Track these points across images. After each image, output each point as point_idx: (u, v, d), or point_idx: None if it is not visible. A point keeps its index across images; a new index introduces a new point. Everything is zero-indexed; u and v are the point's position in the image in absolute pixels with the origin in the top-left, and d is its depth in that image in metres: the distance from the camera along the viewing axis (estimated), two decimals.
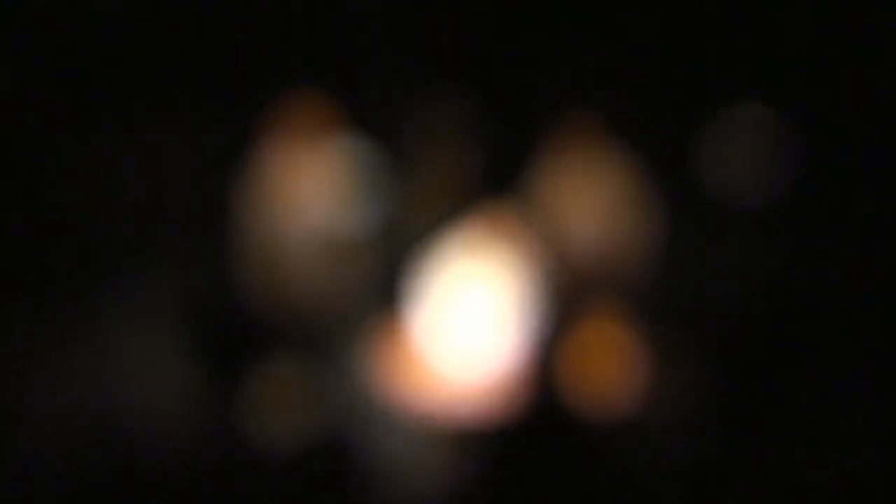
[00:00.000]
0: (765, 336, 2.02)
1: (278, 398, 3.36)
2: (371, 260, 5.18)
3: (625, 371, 3.35)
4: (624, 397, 3.42)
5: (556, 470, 2.11)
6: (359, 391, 3.36)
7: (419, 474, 4.58)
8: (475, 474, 2.13)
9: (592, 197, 6.39)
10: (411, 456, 4.69)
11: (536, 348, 2.18)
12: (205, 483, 2.41)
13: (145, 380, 2.93)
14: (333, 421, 3.15)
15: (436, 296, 5.15)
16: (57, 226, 3.61)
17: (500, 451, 2.14)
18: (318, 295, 5.89)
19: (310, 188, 5.86)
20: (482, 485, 2.13)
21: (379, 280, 4.34)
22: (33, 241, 3.56)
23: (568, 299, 2.34)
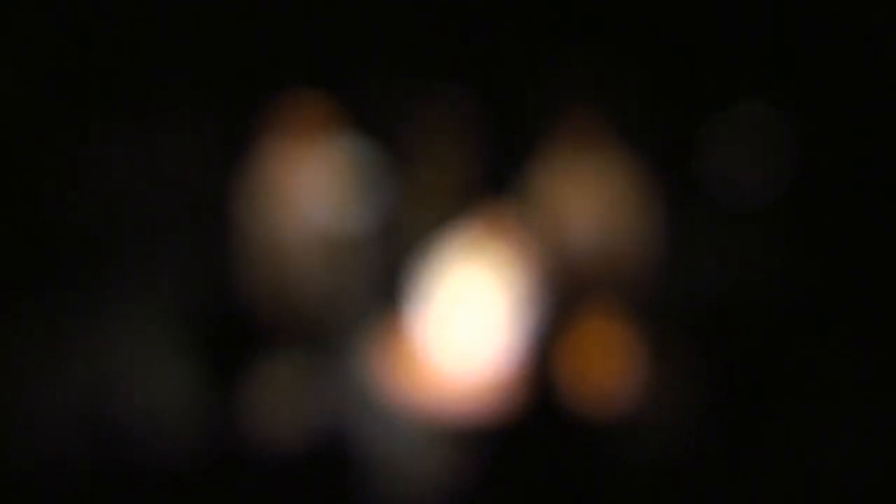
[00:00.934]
0: (761, 335, 2.02)
1: (278, 397, 3.37)
2: (371, 259, 5.18)
3: (622, 369, 3.35)
4: (621, 395, 3.42)
5: (554, 468, 2.11)
6: (359, 390, 3.36)
7: (419, 473, 4.57)
8: (474, 472, 2.13)
9: (591, 197, 6.39)
10: (411, 455, 4.69)
11: (535, 347, 2.18)
12: (205, 482, 2.41)
13: (145, 379, 2.93)
14: (333, 419, 3.15)
15: (435, 295, 5.16)
16: (57, 226, 3.61)
17: (499, 450, 2.15)
18: (318, 294, 5.88)
19: (309, 188, 5.86)
20: (481, 483, 2.13)
21: (379, 279, 4.34)
22: (35, 241, 3.56)
23: (566, 298, 2.34)
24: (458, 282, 5.15)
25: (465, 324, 5.03)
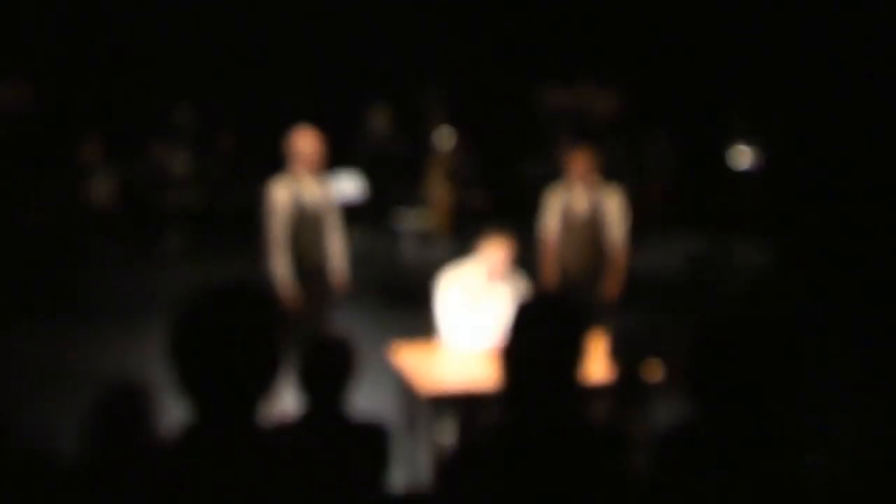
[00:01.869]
0: (759, 334, 2.03)
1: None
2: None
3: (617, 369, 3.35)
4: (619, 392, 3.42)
5: (554, 467, 2.11)
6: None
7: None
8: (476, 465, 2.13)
9: (591, 199, 6.42)
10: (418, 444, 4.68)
11: (534, 345, 2.18)
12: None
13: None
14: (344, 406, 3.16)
15: (444, 293, 5.16)
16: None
17: (500, 448, 2.14)
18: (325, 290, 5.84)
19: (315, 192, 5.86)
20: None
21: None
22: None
23: (565, 297, 2.34)
24: (463, 281, 5.15)
25: (470, 321, 5.03)
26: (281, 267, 5.58)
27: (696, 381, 2.05)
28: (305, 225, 5.68)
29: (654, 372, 3.16)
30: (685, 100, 12.23)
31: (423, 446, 4.72)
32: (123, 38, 12.10)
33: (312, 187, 5.72)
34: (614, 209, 6.07)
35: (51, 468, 2.17)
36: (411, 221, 11.25)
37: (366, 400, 5.51)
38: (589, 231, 6.08)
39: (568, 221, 6.15)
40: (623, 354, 3.16)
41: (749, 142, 11.15)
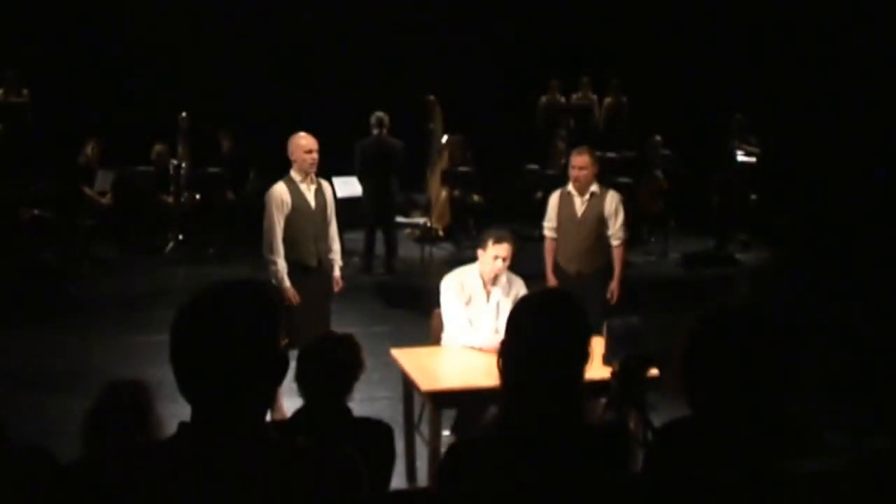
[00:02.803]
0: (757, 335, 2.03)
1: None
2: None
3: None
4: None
5: (553, 465, 2.11)
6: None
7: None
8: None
9: (591, 200, 6.43)
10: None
11: (533, 344, 2.18)
12: None
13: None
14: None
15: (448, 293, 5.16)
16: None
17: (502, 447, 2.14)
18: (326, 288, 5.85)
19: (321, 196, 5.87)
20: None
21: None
22: None
23: (565, 296, 2.34)
24: (466, 281, 5.15)
25: (472, 320, 5.04)
26: (281, 267, 5.60)
27: (691, 377, 2.06)
28: (305, 225, 5.69)
29: (654, 370, 3.16)
30: (685, 100, 12.24)
31: (423, 444, 4.73)
32: (124, 37, 12.09)
33: (312, 188, 5.74)
34: (614, 210, 6.08)
35: (49, 466, 2.17)
36: (411, 222, 11.26)
37: (366, 398, 5.53)
38: (589, 231, 6.09)
39: (568, 222, 6.16)
40: (622, 353, 3.16)
41: (749, 142, 11.15)
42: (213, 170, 11.01)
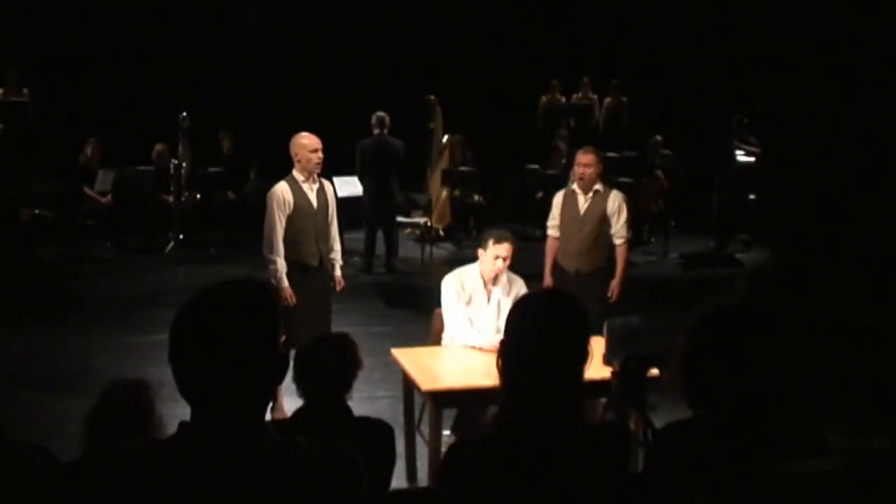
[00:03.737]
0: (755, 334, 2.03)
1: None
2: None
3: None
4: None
5: (553, 465, 2.11)
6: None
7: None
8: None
9: (593, 200, 6.44)
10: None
11: (534, 343, 2.18)
12: None
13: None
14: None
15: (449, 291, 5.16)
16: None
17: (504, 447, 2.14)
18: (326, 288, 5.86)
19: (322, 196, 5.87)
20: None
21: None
22: None
23: (566, 296, 2.34)
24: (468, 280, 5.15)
25: (474, 318, 5.04)
26: (281, 266, 5.60)
27: (691, 377, 2.06)
28: (307, 225, 5.69)
29: (654, 370, 3.16)
30: (685, 100, 12.24)
31: (423, 444, 4.73)
32: (124, 37, 12.09)
33: (314, 188, 5.74)
34: (616, 209, 6.08)
35: (49, 466, 2.17)
36: (411, 221, 11.25)
37: (366, 398, 5.53)
38: (590, 230, 6.09)
39: (571, 220, 6.16)
40: (622, 353, 3.15)
41: (749, 142, 11.15)
42: (213, 170, 11.00)
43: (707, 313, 2.09)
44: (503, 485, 2.08)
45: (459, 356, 4.85)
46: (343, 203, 6.97)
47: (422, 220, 11.11)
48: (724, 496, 1.74)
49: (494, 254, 4.97)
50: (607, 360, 3.27)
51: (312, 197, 5.71)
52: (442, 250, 11.02)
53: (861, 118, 11.17)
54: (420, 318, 6.78)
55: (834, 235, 10.56)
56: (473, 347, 4.86)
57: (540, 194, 11.11)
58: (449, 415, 4.74)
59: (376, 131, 9.60)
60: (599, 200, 6.10)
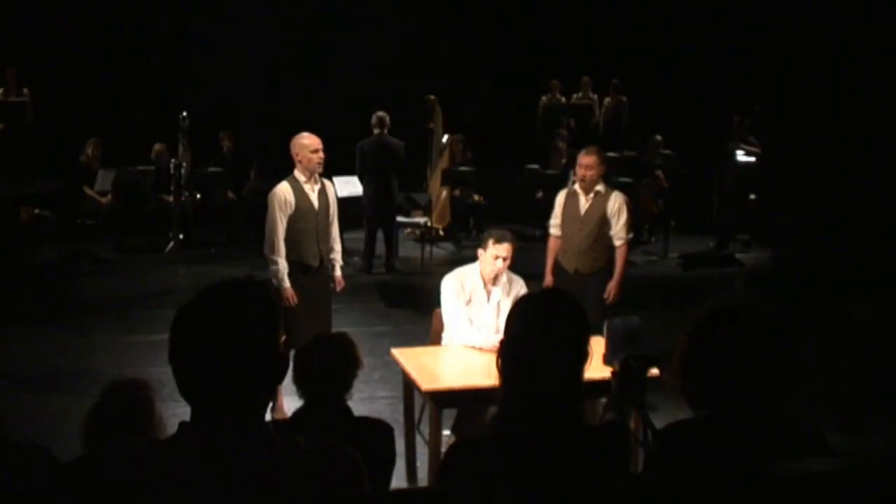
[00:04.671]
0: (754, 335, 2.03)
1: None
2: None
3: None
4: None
5: (553, 465, 2.11)
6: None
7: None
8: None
9: (594, 200, 6.43)
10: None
11: (534, 343, 2.18)
12: None
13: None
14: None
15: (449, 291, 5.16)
16: None
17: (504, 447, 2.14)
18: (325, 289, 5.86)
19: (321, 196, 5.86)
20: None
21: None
22: None
23: (566, 295, 2.34)
24: (468, 280, 5.15)
25: (474, 317, 5.04)
26: (282, 267, 5.60)
27: (691, 377, 2.06)
28: (308, 225, 5.69)
29: (654, 370, 3.15)
30: (685, 100, 12.24)
31: (423, 444, 4.73)
32: (124, 37, 12.09)
33: (316, 188, 5.73)
34: (617, 210, 6.08)
35: (49, 466, 2.17)
36: (411, 221, 11.25)
37: (366, 398, 5.53)
38: (591, 230, 6.09)
39: (571, 220, 6.16)
40: (622, 353, 3.15)
41: (749, 142, 11.15)
42: (212, 170, 11.00)
43: (707, 313, 2.09)
44: (503, 485, 2.08)
45: (459, 356, 4.85)
46: (343, 203, 6.96)
47: (422, 220, 11.11)
48: (724, 497, 1.74)
49: (494, 254, 4.97)
50: (607, 360, 3.27)
51: (314, 197, 5.71)
52: (442, 250, 11.02)
53: (861, 118, 11.17)
54: (420, 318, 6.78)
55: (833, 235, 10.56)
56: (473, 347, 4.86)
57: (540, 194, 11.11)
58: (449, 415, 4.74)
59: (376, 131, 9.60)
60: (600, 201, 6.10)
